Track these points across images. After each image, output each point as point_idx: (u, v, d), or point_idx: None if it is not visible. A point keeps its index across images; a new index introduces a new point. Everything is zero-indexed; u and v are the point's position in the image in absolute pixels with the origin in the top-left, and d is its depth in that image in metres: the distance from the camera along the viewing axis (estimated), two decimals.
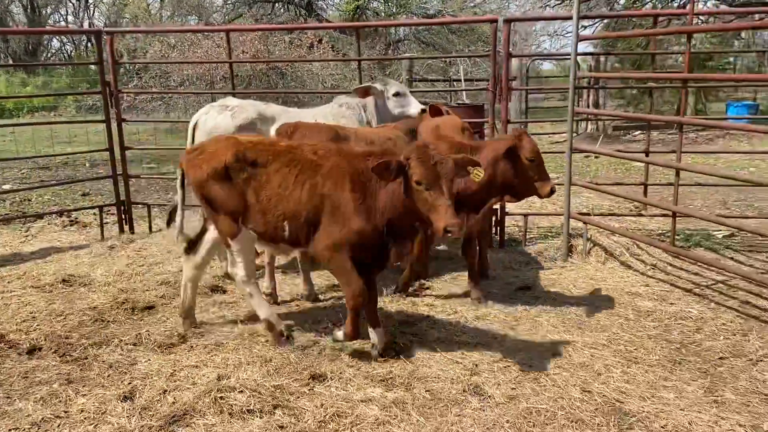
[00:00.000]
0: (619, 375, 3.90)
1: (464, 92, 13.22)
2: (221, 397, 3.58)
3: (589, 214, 6.56)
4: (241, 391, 3.66)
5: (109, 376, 4.02)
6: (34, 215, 8.28)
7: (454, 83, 15.34)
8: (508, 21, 6.14)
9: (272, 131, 5.57)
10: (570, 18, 5.89)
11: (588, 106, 15.31)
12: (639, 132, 15.49)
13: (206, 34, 18.91)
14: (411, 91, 6.13)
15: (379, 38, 24.40)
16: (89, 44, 38.79)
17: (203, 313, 5.02)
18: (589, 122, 15.31)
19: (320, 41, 20.58)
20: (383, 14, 24.56)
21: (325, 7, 27.45)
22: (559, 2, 21.41)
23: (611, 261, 6.03)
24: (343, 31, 23.64)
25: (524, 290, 5.40)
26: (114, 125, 7.17)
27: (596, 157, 12.21)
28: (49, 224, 8.01)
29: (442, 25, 21.41)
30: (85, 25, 38.01)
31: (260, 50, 18.16)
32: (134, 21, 32.63)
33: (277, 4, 26.27)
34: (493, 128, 6.56)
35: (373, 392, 3.73)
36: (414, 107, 5.97)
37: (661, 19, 15.71)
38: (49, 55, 39.09)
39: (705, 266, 5.71)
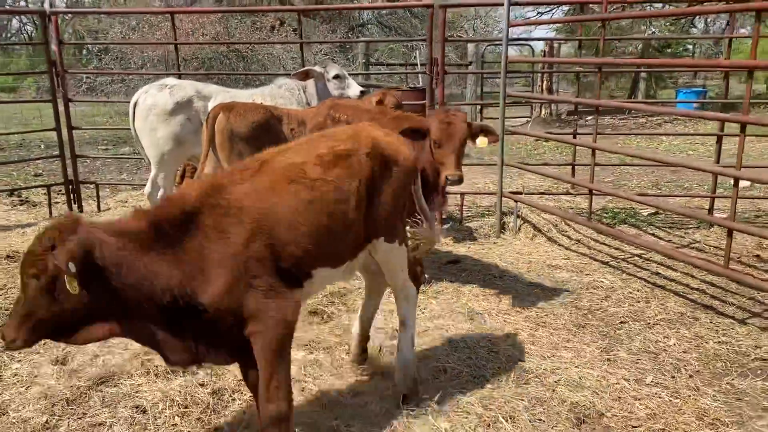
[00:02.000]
0: (526, 337, 4.22)
1: (420, 76, 13.48)
2: (148, 359, 3.81)
3: (520, 193, 6.88)
4: None
5: (45, 344, 4.20)
6: None
7: (409, 67, 15.57)
8: (443, 6, 6.38)
9: (209, 108, 5.78)
10: (501, 5, 6.15)
11: (542, 91, 15.70)
12: (591, 117, 15.93)
13: (167, 16, 18.79)
14: (366, 74, 6.38)
15: (342, 21, 24.49)
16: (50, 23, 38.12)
17: None
18: (543, 107, 15.69)
19: (282, 24, 20.63)
20: None
21: None
22: None
23: (539, 237, 6.36)
24: (306, 14, 23.66)
25: (453, 263, 5.69)
26: (61, 106, 7.24)
27: (546, 141, 12.59)
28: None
29: (376, 9, 21.63)
30: (46, 5, 37.21)
31: (220, 32, 18.17)
32: (96, 1, 32.14)
33: None
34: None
35: (297, 355, 3.99)
36: (353, 89, 6.17)
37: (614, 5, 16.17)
38: (9, 35, 38.22)
39: (625, 242, 6.07)
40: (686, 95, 16.78)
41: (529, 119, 15.43)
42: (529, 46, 16.39)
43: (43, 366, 3.85)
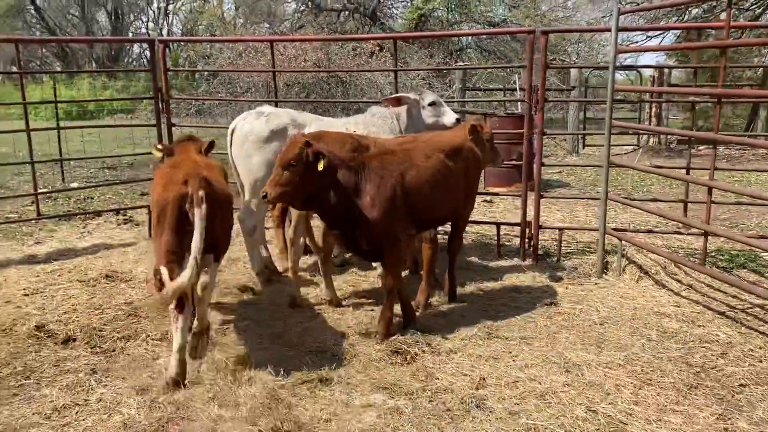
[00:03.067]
0: (629, 396, 3.81)
1: (519, 103, 13.13)
2: (221, 393, 3.73)
3: (625, 230, 6.38)
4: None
5: (130, 368, 4.24)
6: (92, 212, 8.76)
7: (508, 93, 15.19)
8: (545, 32, 6.08)
9: None
10: (609, 30, 5.78)
11: (650, 119, 14.86)
12: (704, 147, 14.88)
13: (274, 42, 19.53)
14: (462, 101, 6.22)
15: (441, 46, 24.46)
16: (168, 50, 40.74)
17: (226, 314, 5.21)
18: (651, 135, 14.81)
19: (381, 49, 20.82)
20: (446, 22, 24.54)
21: (391, 15, 27.74)
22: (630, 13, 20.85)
23: (645, 280, 5.84)
24: (405, 40, 23.82)
25: (549, 306, 5.32)
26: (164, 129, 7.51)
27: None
28: (105, 221, 8.45)
29: (477, 35, 21.62)
30: (164, 32, 39.79)
31: (321, 58, 18.56)
32: (209, 29, 33.98)
33: (342, 13, 26.75)
34: (529, 140, 6.48)
35: (376, 398, 3.80)
36: (448, 117, 6.01)
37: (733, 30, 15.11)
38: (130, 60, 41.06)
39: (745, 290, 5.46)
40: None
41: (636, 147, 14.63)
42: (637, 71, 15.60)
43: (126, 394, 3.86)
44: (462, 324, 4.94)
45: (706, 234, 5.21)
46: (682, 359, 4.30)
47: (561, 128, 16.42)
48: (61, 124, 11.64)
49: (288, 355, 4.42)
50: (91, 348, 4.58)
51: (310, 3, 27.03)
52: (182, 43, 26.47)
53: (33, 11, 36.40)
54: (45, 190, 9.59)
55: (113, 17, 39.21)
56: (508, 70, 20.94)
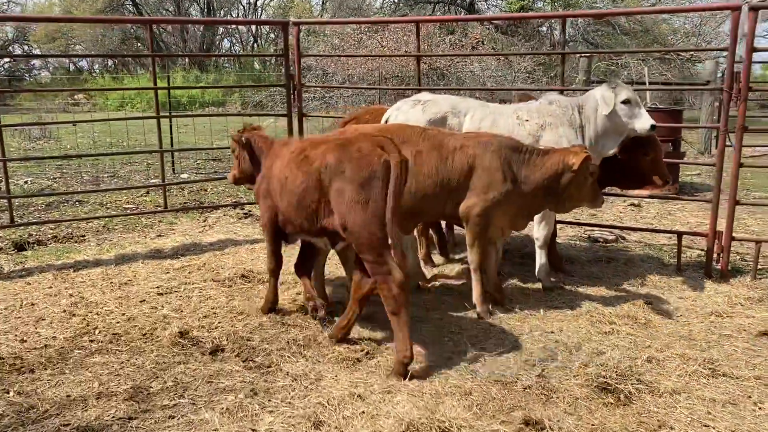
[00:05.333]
0: None
1: (648, 94, 12.03)
2: None
3: None
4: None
5: (294, 391, 3.66)
6: (210, 206, 8.40)
7: (637, 85, 13.99)
8: (755, 8, 5.12)
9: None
10: None
11: None
12: None
13: (370, 34, 19.06)
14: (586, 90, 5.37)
15: (543, 39, 23.37)
16: (255, 44, 41.09)
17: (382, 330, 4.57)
18: None
19: (482, 43, 19.96)
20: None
21: (487, 7, 26.81)
22: None
23: None
24: (505, 33, 22.87)
25: (766, 336, 4.40)
26: (295, 121, 6.97)
27: None
28: (224, 215, 8.08)
29: (667, 13, 19.73)
30: (252, 28, 40.29)
31: (423, 50, 17.89)
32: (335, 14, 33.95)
33: (437, 5, 26.02)
34: (725, 136, 5.53)
35: None
36: (643, 122, 4.95)
37: None
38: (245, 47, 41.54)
39: None
40: None
41: None
42: None
43: (299, 426, 3.27)
44: (665, 354, 4.11)
45: None
46: None
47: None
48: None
49: (468, 386, 3.71)
50: (243, 362, 4.04)
51: None
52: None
53: (130, 6, 37.47)
54: (158, 181, 9.34)
55: (206, 11, 39.91)
56: (619, 63, 19.58)
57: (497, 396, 3.60)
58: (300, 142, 4.51)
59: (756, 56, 5.28)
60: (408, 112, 5.19)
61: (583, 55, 11.77)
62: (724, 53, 5.69)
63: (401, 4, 26.58)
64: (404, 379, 3.74)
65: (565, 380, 3.78)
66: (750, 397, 3.59)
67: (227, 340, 4.32)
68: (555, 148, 4.78)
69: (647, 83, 12.37)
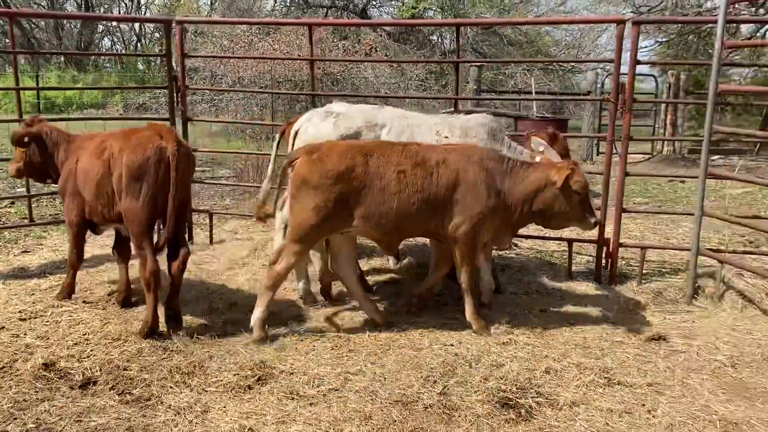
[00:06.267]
0: None
1: (534, 104, 12.44)
2: None
3: (722, 251, 5.66)
4: None
5: (177, 426, 3.31)
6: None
7: (524, 95, 14.49)
8: (638, 23, 5.32)
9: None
10: (714, 22, 5.05)
11: (664, 127, 14.35)
12: (718, 156, 14.42)
13: (261, 36, 18.54)
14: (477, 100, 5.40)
15: (435, 48, 23.76)
16: (139, 44, 39.04)
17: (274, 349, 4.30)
18: (665, 144, 14.25)
19: (375, 50, 19.97)
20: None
21: (379, 14, 26.94)
22: (636, 15, 20.22)
23: (750, 308, 5.12)
24: (397, 40, 23.03)
25: (657, 341, 4.53)
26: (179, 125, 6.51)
27: (682, 182, 11.26)
28: None
29: (561, 23, 20.37)
30: (135, 26, 38.24)
31: (317, 54, 17.61)
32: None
33: (330, 10, 25.83)
34: (612, 146, 5.71)
35: None
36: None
37: None
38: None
39: None
40: None
41: (648, 156, 14.08)
42: (652, 75, 15.07)
43: None
44: (562, 363, 4.12)
45: None
46: None
47: (578, 133, 15.78)
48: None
49: (368, 410, 3.51)
50: (119, 395, 3.63)
51: None
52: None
53: None
54: (23, 191, 8.49)
55: (83, 8, 37.45)
56: (507, 73, 20.27)
57: (398, 418, 3.43)
58: (101, 134, 4.72)
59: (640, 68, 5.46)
60: (319, 125, 4.91)
61: (473, 64, 11.96)
62: (606, 65, 5.86)
63: (293, 8, 26.19)
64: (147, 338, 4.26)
65: (466, 397, 3.67)
66: (644, 405, 3.63)
67: (101, 370, 3.88)
68: (541, 161, 4.61)
69: (533, 92, 12.81)
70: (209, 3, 36.98)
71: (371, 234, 4.56)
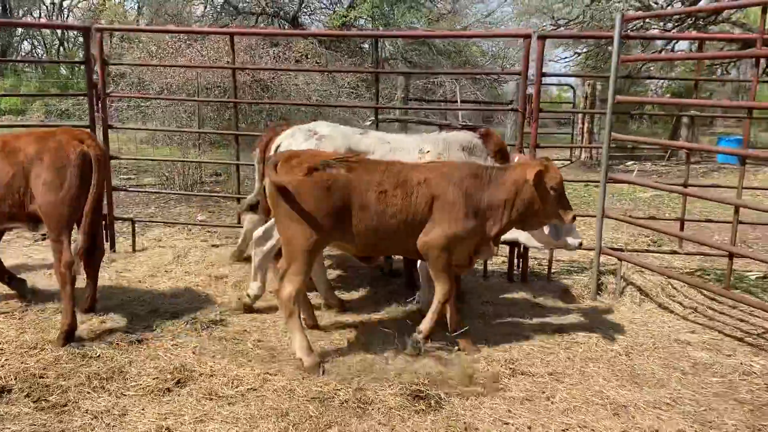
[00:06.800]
0: None
1: (459, 113, 12.84)
2: None
3: (622, 250, 6.07)
4: None
5: (94, 430, 3.36)
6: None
7: (447, 104, 14.92)
8: (543, 37, 5.68)
9: None
10: (609, 38, 5.46)
11: (582, 135, 15.05)
12: (632, 162, 15.26)
13: (189, 42, 18.28)
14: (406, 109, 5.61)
15: (366, 56, 24.03)
16: (62, 48, 37.71)
17: (192, 353, 4.37)
18: (583, 150, 14.98)
19: (306, 57, 20.05)
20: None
21: (311, 22, 27.05)
22: (554, 28, 21.04)
23: (647, 302, 5.55)
24: (329, 48, 23.20)
25: (560, 334, 4.86)
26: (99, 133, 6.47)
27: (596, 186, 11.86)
28: (17, 237, 7.25)
29: (469, 38, 20.76)
30: (57, 31, 36.90)
31: (246, 62, 17.53)
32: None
33: (260, 17, 25.75)
34: (520, 153, 6.05)
35: None
36: None
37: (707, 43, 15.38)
38: (18, 58, 37.70)
39: (748, 311, 5.26)
40: (728, 143, 16.16)
41: (568, 162, 14.74)
42: (570, 85, 15.81)
43: None
44: (473, 357, 4.37)
45: (731, 255, 4.95)
46: (730, 395, 3.95)
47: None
48: None
49: (285, 407, 3.65)
50: (34, 402, 3.63)
51: (226, 5, 25.84)
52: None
53: None
54: None
55: (0, 10, 35.91)
56: (436, 82, 20.75)
57: (314, 414, 3.58)
58: (2, 136, 4.76)
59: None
60: (302, 144, 4.97)
61: (398, 73, 12.24)
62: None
63: (223, 14, 25.97)
64: (67, 343, 4.32)
65: (380, 391, 3.85)
66: (544, 392, 3.92)
67: (15, 379, 3.85)
68: (517, 163, 4.55)
69: (459, 102, 13.23)
70: (136, 8, 36.22)
71: (349, 249, 4.48)
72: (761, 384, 4.10)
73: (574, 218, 4.41)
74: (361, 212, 4.17)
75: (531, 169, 4.25)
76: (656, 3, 17.42)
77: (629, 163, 15.42)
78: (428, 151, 5.00)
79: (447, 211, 4.25)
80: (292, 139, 5.06)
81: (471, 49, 24.02)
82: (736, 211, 4.91)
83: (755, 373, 4.25)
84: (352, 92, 19.47)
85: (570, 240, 4.90)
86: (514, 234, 5.02)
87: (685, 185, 6.15)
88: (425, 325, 4.44)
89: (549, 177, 4.28)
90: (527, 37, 5.61)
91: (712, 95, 24.54)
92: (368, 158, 4.65)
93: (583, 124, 15.02)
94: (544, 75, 5.81)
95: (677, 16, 14.57)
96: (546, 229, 4.86)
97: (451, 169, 4.39)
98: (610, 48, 19.42)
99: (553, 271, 6.19)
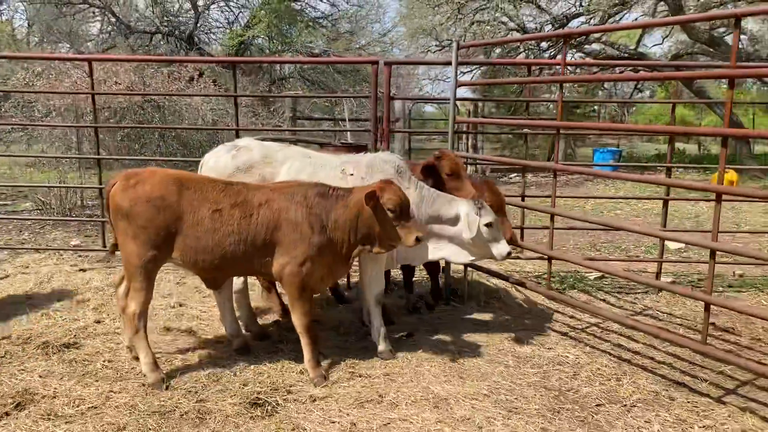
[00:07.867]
0: (501, 428, 3.79)
1: (348, 132, 13.20)
2: None
3: None
4: None
5: None
6: None
7: (340, 123, 15.30)
8: (389, 63, 6.11)
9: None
10: (449, 63, 5.94)
11: (467, 150, 15.80)
12: (515, 174, 16.15)
13: (76, 63, 17.79)
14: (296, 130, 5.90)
15: (264, 75, 24.13)
16: None
17: (39, 376, 4.42)
18: (469, 165, 15.70)
19: (201, 75, 19.94)
20: (268, 51, 24.33)
21: (207, 41, 26.86)
22: (438, 49, 22.27)
23: (491, 304, 6.02)
24: (226, 66, 23.12)
25: (407, 338, 5.23)
26: None
27: None
28: None
29: (324, 63, 21.35)
30: None
31: (134, 82, 17.27)
32: None
33: (155, 36, 25.36)
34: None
35: None
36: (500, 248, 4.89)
37: (534, 68, 16.74)
38: None
39: (587, 312, 5.81)
40: (603, 155, 17.39)
41: None
42: (455, 104, 16.57)
43: None
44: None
45: (550, 258, 5.48)
46: (541, 384, 4.41)
47: None
48: None
49: (124, 421, 3.79)
50: None
51: (118, 23, 25.28)
52: None
53: None
54: None
55: None
56: (332, 101, 21.17)
57: (153, 427, 3.73)
58: None
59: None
60: (220, 159, 5.06)
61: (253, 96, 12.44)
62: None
63: (115, 32, 25.40)
64: None
65: (221, 401, 4.05)
66: (377, 391, 4.24)
67: None
68: (361, 186, 4.56)
69: (347, 120, 13.61)
70: (27, 25, 34.69)
71: (191, 270, 4.50)
72: (570, 372, 4.59)
73: (418, 240, 4.31)
74: (193, 230, 4.26)
75: (367, 190, 4.29)
76: (535, 27, 18.71)
77: (512, 175, 16.32)
78: (351, 174, 4.95)
79: (292, 231, 4.31)
80: (213, 154, 5.17)
81: (367, 68, 24.64)
82: (552, 219, 5.47)
83: (568, 363, 4.76)
84: (250, 111, 19.57)
85: (496, 250, 4.85)
86: (441, 252, 5.03)
87: (522, 197, 6.70)
88: (307, 362, 4.46)
89: (385, 199, 4.28)
90: (374, 63, 6.02)
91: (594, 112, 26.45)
92: (209, 177, 4.69)
93: (467, 139, 15.79)
94: (391, 99, 6.22)
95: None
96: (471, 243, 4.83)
97: (295, 189, 4.44)
98: (494, 69, 20.73)
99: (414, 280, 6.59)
